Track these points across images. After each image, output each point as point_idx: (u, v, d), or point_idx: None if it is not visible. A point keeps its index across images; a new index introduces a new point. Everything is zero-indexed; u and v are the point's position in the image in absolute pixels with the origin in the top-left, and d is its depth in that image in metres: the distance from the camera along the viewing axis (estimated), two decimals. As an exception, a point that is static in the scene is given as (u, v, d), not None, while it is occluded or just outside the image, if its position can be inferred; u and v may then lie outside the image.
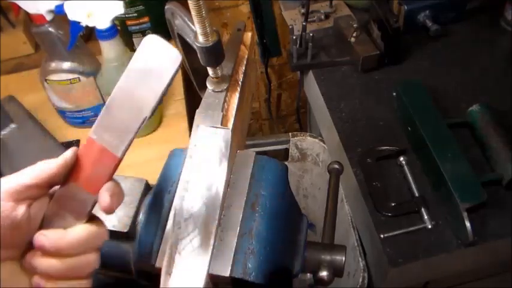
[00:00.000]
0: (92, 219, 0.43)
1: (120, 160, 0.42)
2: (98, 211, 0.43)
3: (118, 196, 0.42)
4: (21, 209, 0.39)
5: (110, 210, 0.41)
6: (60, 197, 0.42)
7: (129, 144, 0.42)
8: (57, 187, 0.43)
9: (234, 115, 0.56)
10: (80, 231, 0.41)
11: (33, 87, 1.08)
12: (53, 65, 0.95)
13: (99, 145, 0.41)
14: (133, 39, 1.18)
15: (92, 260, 0.42)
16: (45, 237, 0.40)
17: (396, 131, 0.96)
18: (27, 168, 0.40)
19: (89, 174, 0.41)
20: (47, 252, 0.40)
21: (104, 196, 0.41)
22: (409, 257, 0.80)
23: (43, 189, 0.41)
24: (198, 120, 0.54)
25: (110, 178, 0.42)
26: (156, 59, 0.40)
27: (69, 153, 0.41)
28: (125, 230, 0.53)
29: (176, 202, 0.50)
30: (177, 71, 0.41)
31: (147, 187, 0.57)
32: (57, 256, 0.40)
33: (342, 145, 0.95)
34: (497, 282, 1.05)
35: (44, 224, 0.42)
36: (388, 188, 0.88)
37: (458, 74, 1.06)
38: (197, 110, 0.56)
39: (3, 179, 0.40)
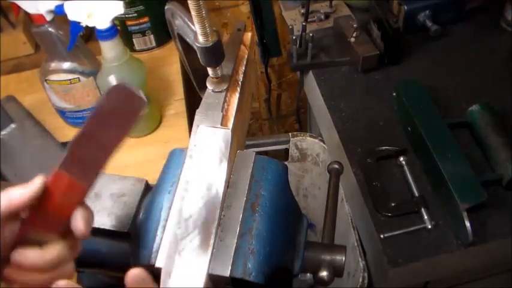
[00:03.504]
0: (66, 232, 0.45)
1: (88, 190, 0.44)
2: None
3: (90, 221, 0.44)
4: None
5: (85, 236, 0.43)
6: (32, 219, 0.43)
7: (98, 176, 0.44)
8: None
9: (234, 115, 0.56)
10: (56, 249, 0.43)
11: (33, 87, 1.08)
12: (53, 65, 0.95)
13: (68, 178, 0.43)
14: (133, 39, 1.18)
15: (68, 269, 0.44)
16: (24, 258, 0.42)
17: (396, 131, 0.96)
18: None
19: (59, 203, 0.43)
20: (26, 270, 0.42)
21: (79, 224, 0.43)
22: (409, 257, 0.80)
23: (12, 218, 0.42)
24: (198, 120, 0.55)
25: (80, 204, 0.44)
26: (122, 105, 0.44)
27: (37, 184, 0.42)
28: (125, 230, 0.53)
29: (176, 202, 0.50)
30: (141, 114, 0.45)
31: (147, 187, 0.57)
32: (36, 272, 0.42)
33: (342, 145, 0.95)
34: (497, 282, 1.05)
35: (19, 240, 0.43)
36: (388, 188, 0.88)
37: (458, 74, 1.06)
38: (197, 110, 0.56)
39: None
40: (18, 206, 0.41)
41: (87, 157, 0.43)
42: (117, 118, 0.44)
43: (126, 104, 0.44)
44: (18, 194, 0.41)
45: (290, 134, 1.25)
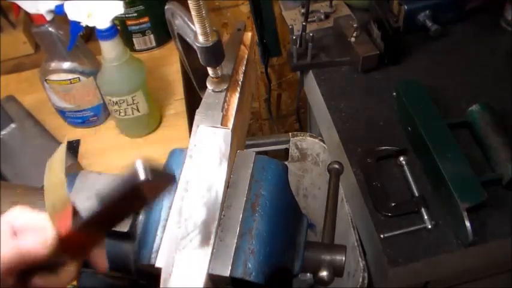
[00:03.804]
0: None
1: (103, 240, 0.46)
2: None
3: (105, 256, 0.48)
4: (11, 279, 0.42)
5: (105, 269, 0.48)
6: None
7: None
8: None
9: (234, 115, 0.56)
10: (71, 273, 0.45)
11: (33, 87, 1.08)
12: (53, 65, 0.95)
13: (83, 236, 0.42)
14: (133, 39, 1.18)
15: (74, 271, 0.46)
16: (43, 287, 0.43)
17: (396, 131, 0.96)
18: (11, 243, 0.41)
19: (73, 253, 0.44)
20: None
21: (99, 263, 0.47)
22: (409, 257, 0.80)
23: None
24: (198, 120, 0.54)
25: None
26: (146, 188, 0.39)
27: (50, 239, 0.41)
28: (125, 230, 0.53)
29: (176, 202, 0.50)
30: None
31: (147, 187, 0.57)
32: None
33: (342, 145, 0.95)
34: (497, 282, 1.05)
35: (30, 268, 0.43)
36: (388, 188, 0.88)
37: (458, 74, 1.06)
38: (197, 110, 0.56)
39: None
40: (35, 258, 0.41)
41: (102, 222, 0.42)
42: (136, 198, 0.39)
43: (149, 187, 0.39)
44: (33, 251, 0.41)
45: (290, 134, 1.26)
